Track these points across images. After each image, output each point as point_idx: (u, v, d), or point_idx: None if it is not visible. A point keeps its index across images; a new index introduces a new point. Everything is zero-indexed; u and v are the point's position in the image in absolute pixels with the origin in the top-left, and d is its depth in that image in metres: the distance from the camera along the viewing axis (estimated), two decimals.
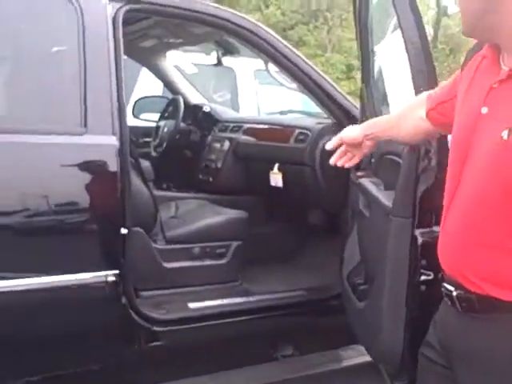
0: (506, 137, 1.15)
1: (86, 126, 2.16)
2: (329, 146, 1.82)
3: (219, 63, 3.27)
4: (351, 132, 1.79)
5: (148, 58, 3.80)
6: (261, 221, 3.10)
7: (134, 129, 4.16)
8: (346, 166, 1.83)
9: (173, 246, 2.64)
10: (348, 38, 16.48)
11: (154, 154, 3.66)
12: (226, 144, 3.37)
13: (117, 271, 2.14)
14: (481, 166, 1.22)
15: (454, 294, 1.31)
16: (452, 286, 1.33)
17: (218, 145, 3.43)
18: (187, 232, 2.69)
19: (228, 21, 2.58)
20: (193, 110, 3.73)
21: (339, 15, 17.35)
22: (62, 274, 2.07)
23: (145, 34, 3.35)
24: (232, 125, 3.49)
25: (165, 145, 3.57)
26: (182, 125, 3.61)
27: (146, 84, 5.13)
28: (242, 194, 3.25)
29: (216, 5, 2.66)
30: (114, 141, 2.19)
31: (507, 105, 1.17)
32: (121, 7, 2.37)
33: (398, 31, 1.83)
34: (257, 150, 3.22)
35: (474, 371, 1.29)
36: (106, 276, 2.13)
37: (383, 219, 1.92)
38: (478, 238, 1.25)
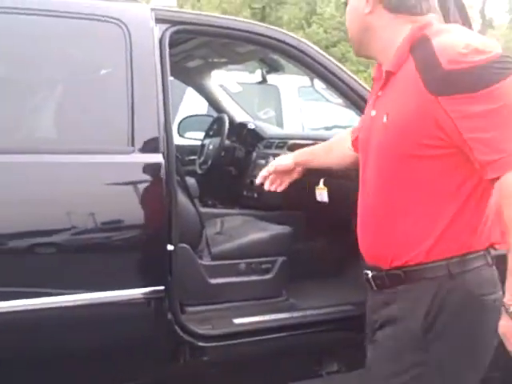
0: (385, 119, 1.44)
1: (133, 144, 2.21)
2: (259, 179, 2.14)
3: (264, 81, 3.30)
4: (283, 161, 2.05)
5: (193, 78, 3.86)
6: (306, 236, 3.09)
7: (179, 147, 4.24)
8: (278, 190, 2.09)
9: (218, 262, 2.65)
10: None
11: (199, 171, 3.70)
12: (271, 160, 3.37)
13: (163, 287, 2.17)
14: (376, 154, 1.49)
15: (370, 275, 1.56)
16: (368, 269, 1.57)
17: (262, 161, 3.43)
18: (232, 248, 2.71)
19: (273, 38, 2.61)
20: (237, 128, 3.77)
21: None
22: (110, 290, 2.11)
23: (190, 54, 3.41)
24: (277, 141, 3.51)
25: (210, 162, 3.60)
26: (227, 142, 3.63)
27: (191, 103, 5.23)
28: (286, 209, 3.26)
29: (261, 23, 2.70)
30: (160, 159, 2.23)
31: (385, 100, 1.48)
32: (167, 29, 2.43)
33: None
34: None
35: (391, 338, 1.50)
36: (153, 292, 2.16)
37: None
38: (379, 221, 1.50)
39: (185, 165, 3.95)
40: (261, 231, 2.82)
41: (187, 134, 4.32)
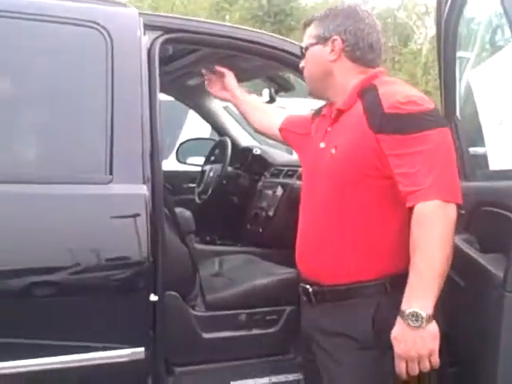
0: (334, 151, 1.64)
1: (111, 173, 1.84)
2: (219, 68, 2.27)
3: (271, 101, 2.91)
4: (233, 80, 2.25)
5: (194, 98, 3.49)
6: None
7: (178, 174, 3.94)
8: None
9: (214, 313, 2.24)
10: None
11: (198, 200, 3.33)
12: (279, 190, 3.00)
13: (142, 348, 1.77)
14: (322, 180, 1.67)
15: (310, 290, 1.71)
16: (307, 284, 1.72)
17: (269, 191, 3.07)
18: (232, 295, 2.30)
19: (285, 52, 2.26)
20: (242, 153, 3.40)
21: (392, 58, 17.04)
22: (77, 352, 1.71)
23: (189, 71, 3.05)
24: (286, 169, 3.13)
25: (210, 191, 3.23)
26: (230, 169, 3.29)
27: (195, 126, 4.85)
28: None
29: (270, 34, 2.33)
30: (143, 190, 1.87)
31: (334, 134, 1.69)
32: (157, 37, 2.08)
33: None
34: None
35: (328, 351, 1.67)
36: (130, 355, 1.77)
37: (489, 292, 1.57)
38: (322, 240, 1.66)
39: (183, 193, 3.60)
40: (266, 275, 2.41)
41: (187, 160, 3.93)
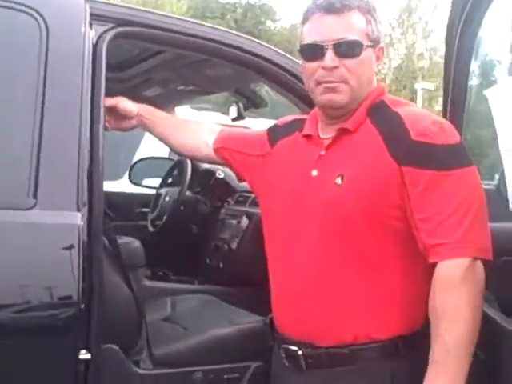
0: (339, 182, 1.34)
1: (35, 196, 1.45)
2: (107, 102, 1.71)
3: (239, 117, 2.55)
4: (129, 104, 1.80)
5: None
6: None
7: (130, 196, 3.55)
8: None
9: (163, 371, 1.82)
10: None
11: (151, 228, 2.95)
12: (244, 220, 2.64)
13: None
14: (314, 218, 1.36)
15: (300, 353, 1.38)
16: (294, 345, 1.39)
17: (233, 221, 2.71)
18: (185, 348, 1.87)
19: (264, 59, 1.91)
20: (203, 176, 3.03)
21: None
22: None
23: (147, 78, 2.68)
24: (252, 196, 2.76)
25: (165, 218, 2.86)
26: (189, 193, 2.92)
27: (153, 143, 4.45)
28: (261, 285, 2.46)
29: (243, 35, 1.98)
30: (76, 218, 1.48)
31: (334, 160, 1.38)
32: (106, 31, 1.70)
33: None
34: None
35: None
36: None
37: None
38: (317, 293, 1.35)
39: (135, 219, 3.20)
40: (227, 322, 2.01)
41: (142, 181, 3.54)
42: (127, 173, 3.50)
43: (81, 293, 1.47)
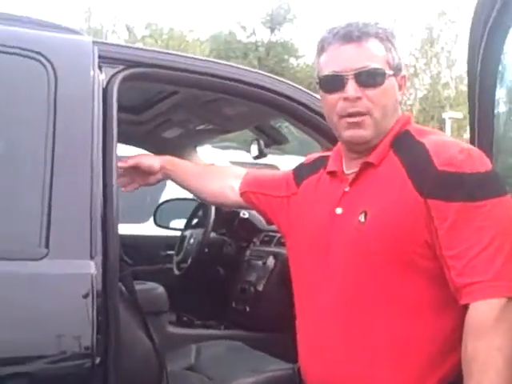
0: (362, 219, 1.25)
1: (47, 246, 1.40)
2: (122, 164, 1.71)
3: (261, 155, 2.49)
4: (150, 159, 1.78)
5: (173, 152, 3.05)
6: None
7: (156, 239, 3.50)
8: (124, 190, 1.78)
9: None
10: None
11: (176, 271, 2.89)
12: (270, 261, 2.56)
13: None
14: (340, 259, 1.28)
15: None
16: None
17: (259, 262, 2.63)
18: None
19: (283, 95, 1.86)
20: (227, 217, 2.96)
21: None
22: None
23: (166, 120, 2.64)
24: (278, 235, 2.69)
25: (190, 260, 2.79)
26: (213, 235, 2.84)
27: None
28: (290, 330, 2.36)
29: (260, 71, 1.93)
30: (90, 267, 1.42)
31: (358, 197, 1.30)
32: (116, 73, 1.66)
33: None
34: None
35: None
36: None
37: None
38: (343, 343, 1.26)
39: (161, 262, 3.13)
40: (252, 372, 1.91)
41: (168, 223, 3.48)
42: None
43: (95, 345, 1.40)
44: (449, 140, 1.30)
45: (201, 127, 2.66)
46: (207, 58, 1.94)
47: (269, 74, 1.97)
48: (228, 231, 2.93)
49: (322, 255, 1.33)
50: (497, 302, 1.12)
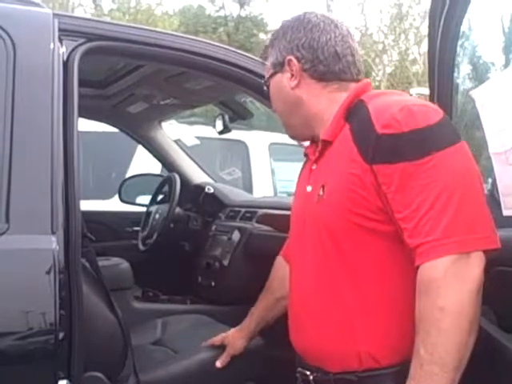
0: (321, 193, 1.27)
1: (7, 221, 1.38)
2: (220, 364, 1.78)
3: (225, 129, 2.49)
4: (237, 344, 1.79)
5: (137, 128, 3.04)
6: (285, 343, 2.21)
7: (121, 215, 3.48)
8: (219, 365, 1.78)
9: None
10: None
11: (142, 247, 2.86)
12: (236, 235, 2.56)
13: None
14: (311, 234, 1.30)
15: (311, 377, 1.33)
16: (307, 369, 1.34)
17: (224, 237, 2.63)
18: (173, 374, 1.81)
19: (246, 70, 1.86)
20: (193, 192, 2.96)
21: None
22: None
23: (131, 94, 2.62)
24: (243, 210, 2.71)
25: (155, 236, 2.77)
26: (179, 210, 2.83)
27: (146, 160, 4.39)
28: (255, 303, 2.39)
29: (226, 46, 1.91)
30: (51, 243, 1.40)
31: (319, 172, 1.33)
32: (77, 46, 1.63)
33: None
34: (276, 244, 2.37)
35: None
36: None
37: None
38: (319, 313, 1.28)
39: (127, 238, 3.12)
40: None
41: (134, 199, 3.45)
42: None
43: (59, 321, 1.39)
44: (396, 99, 1.23)
45: (165, 102, 2.65)
46: (170, 32, 1.92)
47: (233, 49, 1.96)
48: (194, 206, 2.93)
49: (300, 234, 1.36)
50: (445, 260, 1.09)
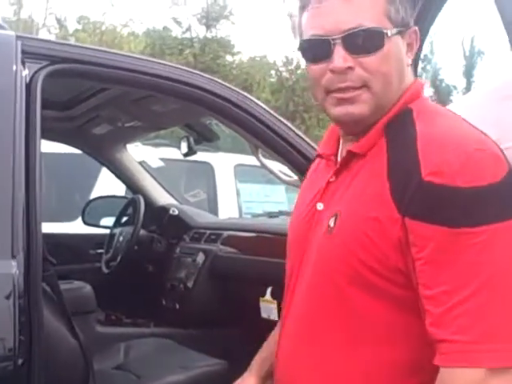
0: (332, 224, 1.00)
1: None
2: None
3: (190, 151, 2.50)
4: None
5: (102, 150, 3.02)
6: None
7: (85, 237, 3.44)
8: None
9: None
10: None
11: (105, 270, 2.83)
12: (200, 257, 2.56)
13: None
14: (310, 270, 1.05)
15: None
16: None
17: (189, 259, 2.62)
18: None
19: (214, 94, 1.85)
20: (157, 214, 2.94)
21: (316, 115, 17.21)
22: None
23: (96, 116, 2.61)
24: (208, 232, 2.70)
25: (119, 258, 2.74)
26: (143, 232, 2.81)
27: (111, 182, 4.35)
28: (220, 326, 2.38)
29: (188, 69, 1.92)
30: (11, 268, 1.37)
31: (337, 192, 1.04)
32: (40, 69, 1.62)
33: None
34: (242, 266, 2.38)
35: None
36: None
37: None
38: (320, 364, 1.02)
39: (90, 261, 3.08)
40: (181, 369, 1.92)
41: (102, 221, 3.42)
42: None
43: (18, 346, 1.37)
44: (456, 133, 0.94)
45: (130, 124, 2.64)
46: (134, 55, 1.93)
47: (197, 72, 1.97)
48: (158, 228, 2.91)
49: (300, 253, 1.10)
50: (477, 372, 0.85)
